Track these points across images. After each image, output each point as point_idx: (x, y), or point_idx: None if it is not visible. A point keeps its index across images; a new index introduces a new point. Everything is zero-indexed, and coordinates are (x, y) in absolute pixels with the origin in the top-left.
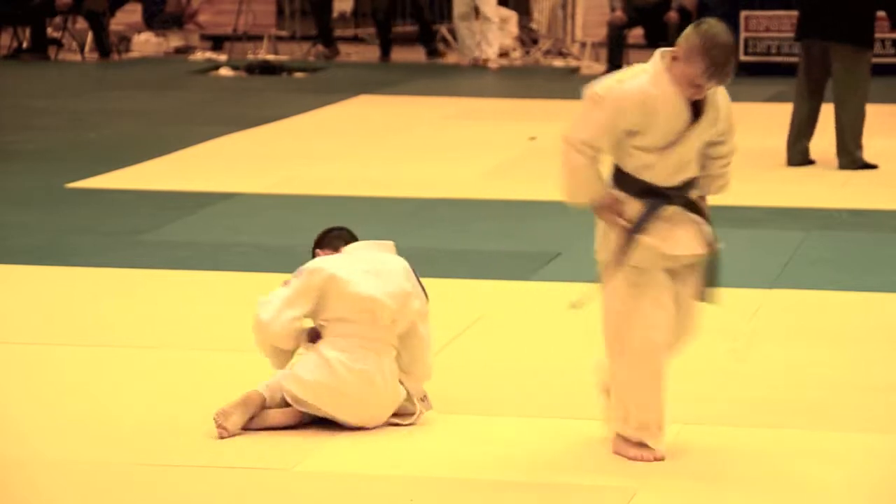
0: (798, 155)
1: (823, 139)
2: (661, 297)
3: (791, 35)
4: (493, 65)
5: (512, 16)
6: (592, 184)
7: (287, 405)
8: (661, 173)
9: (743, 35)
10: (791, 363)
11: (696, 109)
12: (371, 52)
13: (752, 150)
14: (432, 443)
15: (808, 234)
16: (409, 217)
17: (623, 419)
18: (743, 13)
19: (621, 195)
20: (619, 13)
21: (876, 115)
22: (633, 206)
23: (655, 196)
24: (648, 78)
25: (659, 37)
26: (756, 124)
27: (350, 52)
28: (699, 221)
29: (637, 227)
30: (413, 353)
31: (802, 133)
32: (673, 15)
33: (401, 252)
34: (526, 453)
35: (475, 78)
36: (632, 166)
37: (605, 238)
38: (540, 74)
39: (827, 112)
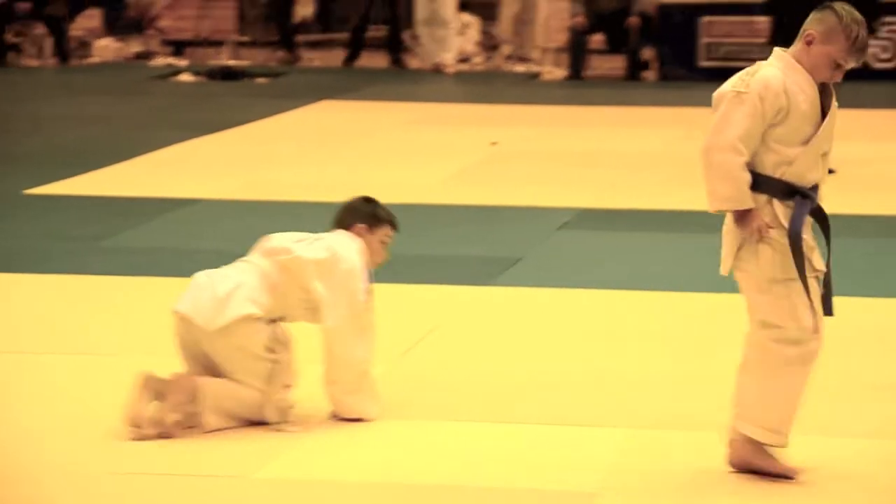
0: None
1: None
2: (816, 304)
3: (751, 40)
4: (449, 69)
5: (473, 21)
6: (748, 185)
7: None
8: (801, 170)
9: (703, 40)
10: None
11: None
12: (333, 58)
13: None
14: (393, 449)
15: None
16: None
17: (770, 428)
18: (703, 19)
19: (760, 198)
20: (580, 18)
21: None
22: (768, 211)
23: (802, 197)
24: (782, 66)
25: (620, 42)
26: None
27: (313, 58)
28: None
29: (797, 232)
30: (326, 348)
31: None
32: (634, 20)
33: None
34: (485, 458)
35: (437, 83)
36: (771, 164)
37: (750, 250)
38: (501, 80)
39: None
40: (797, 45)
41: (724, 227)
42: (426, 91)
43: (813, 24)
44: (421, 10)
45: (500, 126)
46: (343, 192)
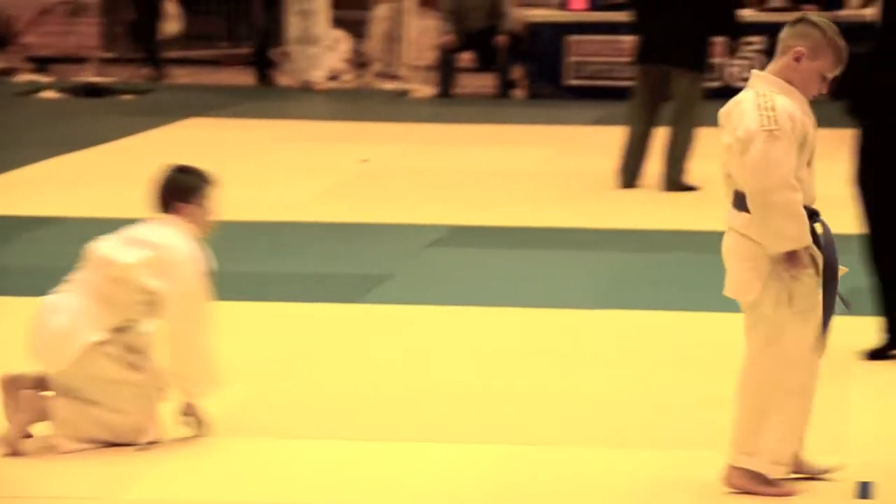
0: (629, 177)
1: (650, 162)
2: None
3: (617, 59)
4: (319, 87)
5: (343, 37)
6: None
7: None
8: (808, 190)
9: (570, 59)
10: (620, 384)
11: None
12: (201, 75)
13: (580, 172)
14: (265, 467)
15: (630, 255)
16: (240, 240)
17: (769, 458)
18: (570, 38)
19: None
20: (449, 37)
21: (699, 138)
22: None
23: (811, 216)
24: (780, 90)
25: (489, 61)
26: (584, 147)
27: (180, 75)
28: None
29: (832, 260)
30: (171, 343)
31: (635, 156)
32: (502, 39)
33: (230, 276)
34: (351, 477)
35: (305, 101)
36: None
37: (781, 282)
38: (371, 97)
39: (657, 135)
40: (783, 62)
41: (735, 252)
42: (295, 108)
43: (797, 39)
44: (293, 28)
45: (370, 143)
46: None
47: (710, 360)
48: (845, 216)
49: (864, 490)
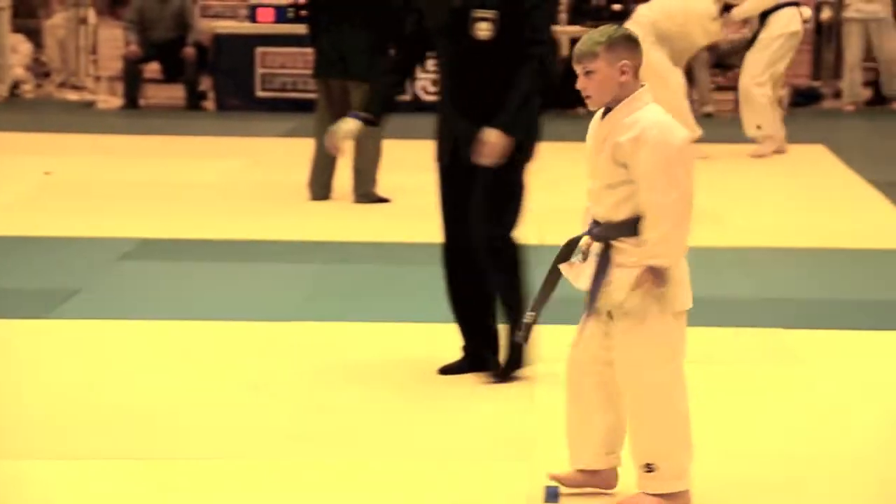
0: (320, 190)
1: (341, 174)
2: None
3: (305, 72)
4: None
5: (22, 42)
6: None
7: None
8: (592, 203)
9: (259, 71)
10: (302, 395)
11: None
12: None
13: (272, 184)
14: None
15: (326, 266)
16: None
17: (669, 476)
18: (258, 49)
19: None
20: (133, 47)
21: (389, 149)
22: None
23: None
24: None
25: (176, 72)
26: (275, 159)
27: None
28: None
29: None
30: None
31: (324, 168)
32: (189, 51)
33: None
34: (43, 497)
35: None
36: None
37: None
38: (54, 107)
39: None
40: (628, 74)
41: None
42: None
43: (626, 53)
44: None
45: (54, 155)
46: None
47: (408, 370)
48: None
49: (551, 494)
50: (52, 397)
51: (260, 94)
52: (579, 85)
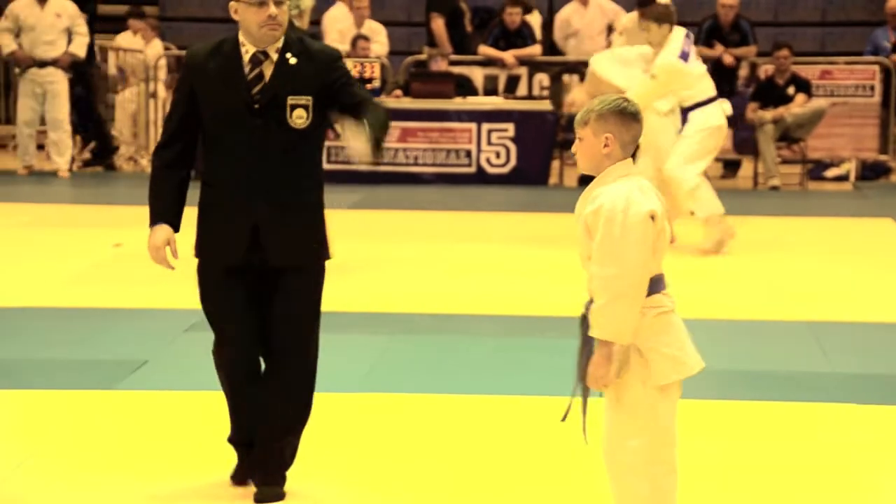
0: None
1: None
2: None
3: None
4: (63, 174)
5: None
6: None
7: None
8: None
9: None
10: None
11: None
12: None
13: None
14: None
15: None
16: None
17: None
18: None
19: None
20: None
21: (455, 222)
22: None
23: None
24: None
25: None
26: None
27: None
28: None
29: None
30: None
31: None
32: None
33: None
34: None
35: (47, 185)
36: None
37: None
38: (122, 181)
39: None
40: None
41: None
42: (35, 193)
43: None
44: (24, 111)
45: (125, 227)
46: None
47: None
48: None
49: None
50: (112, 472)
51: (327, 166)
52: (573, 148)
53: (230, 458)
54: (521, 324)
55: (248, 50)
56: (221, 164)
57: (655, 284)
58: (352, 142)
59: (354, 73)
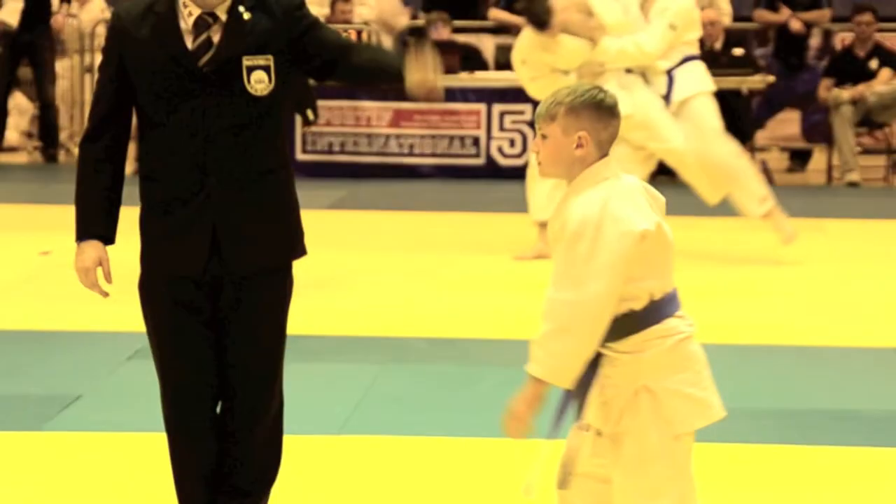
0: None
1: None
2: None
3: (358, 131)
4: None
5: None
6: None
7: None
8: None
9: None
10: None
11: None
12: None
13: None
14: None
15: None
16: None
17: None
18: None
19: None
20: None
21: (465, 224)
22: None
23: None
24: None
25: None
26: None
27: None
28: None
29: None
30: None
31: None
32: None
33: None
34: None
35: None
36: None
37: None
38: (54, 173)
39: None
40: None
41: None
42: None
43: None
44: None
45: (54, 231)
46: None
47: None
48: None
49: None
50: None
51: (301, 157)
52: (533, 147)
53: None
54: None
55: (191, 12)
56: (164, 153)
57: (668, 305)
58: (414, 74)
59: None
